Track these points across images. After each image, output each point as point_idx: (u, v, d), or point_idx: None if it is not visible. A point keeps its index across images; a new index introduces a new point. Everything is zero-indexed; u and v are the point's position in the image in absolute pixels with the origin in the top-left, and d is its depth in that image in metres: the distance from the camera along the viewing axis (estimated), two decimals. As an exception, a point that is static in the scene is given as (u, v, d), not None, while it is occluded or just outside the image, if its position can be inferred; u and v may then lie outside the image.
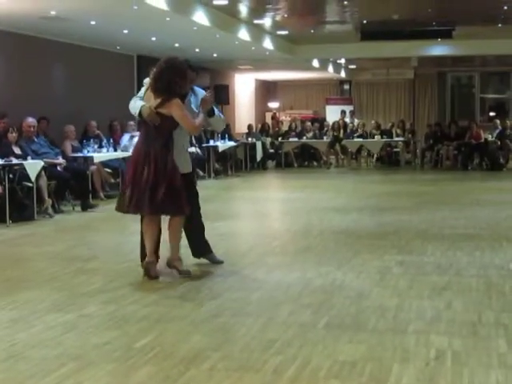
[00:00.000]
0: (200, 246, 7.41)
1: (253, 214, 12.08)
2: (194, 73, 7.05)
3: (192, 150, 17.26)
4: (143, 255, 7.13)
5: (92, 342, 4.89)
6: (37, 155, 11.69)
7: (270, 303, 5.89)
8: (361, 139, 22.50)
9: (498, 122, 22.16)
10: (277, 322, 5.33)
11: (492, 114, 27.73)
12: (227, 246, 8.40)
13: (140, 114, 6.73)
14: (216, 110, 7.31)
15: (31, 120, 12.09)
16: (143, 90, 6.97)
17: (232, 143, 19.86)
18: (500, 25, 17.93)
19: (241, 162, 21.46)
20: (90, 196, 12.75)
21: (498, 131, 21.54)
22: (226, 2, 14.32)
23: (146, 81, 7.02)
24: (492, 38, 19.43)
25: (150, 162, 6.67)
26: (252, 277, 6.97)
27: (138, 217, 11.32)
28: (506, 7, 15.44)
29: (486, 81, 28.60)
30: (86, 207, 12.14)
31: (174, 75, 6.69)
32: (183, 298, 6.10)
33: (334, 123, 24.01)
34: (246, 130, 22.71)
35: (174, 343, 4.85)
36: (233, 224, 10.42)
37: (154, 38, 16.41)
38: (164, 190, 6.63)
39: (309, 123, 23.83)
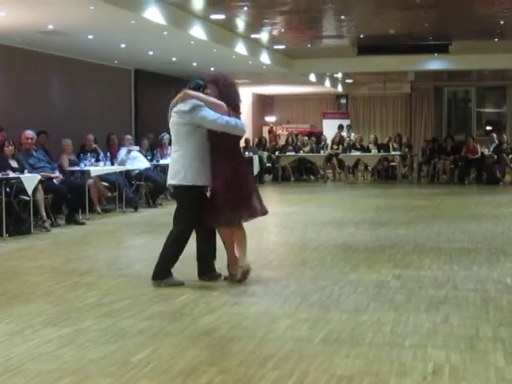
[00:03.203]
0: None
1: (249, 228, 12.04)
2: None
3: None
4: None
5: (88, 356, 4.88)
6: (34, 169, 11.68)
7: (267, 318, 5.88)
8: (358, 153, 22.53)
9: (494, 136, 22.21)
10: (274, 337, 5.32)
11: (488, 128, 27.80)
12: (224, 259, 8.36)
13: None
14: None
15: (29, 132, 12.08)
16: (209, 111, 7.10)
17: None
18: (496, 39, 18.00)
19: (238, 175, 21.38)
20: (87, 210, 12.75)
21: (494, 145, 21.59)
22: (223, 17, 14.39)
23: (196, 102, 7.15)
24: (488, 53, 19.50)
25: (244, 173, 7.41)
26: (249, 291, 6.96)
27: (136, 230, 11.36)
28: (502, 22, 15.51)
29: (483, 95, 28.67)
30: (70, 221, 12.10)
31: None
32: (180, 312, 6.08)
33: (334, 137, 24.08)
34: (243, 144, 22.72)
35: (170, 357, 4.83)
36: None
37: (151, 52, 16.45)
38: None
39: (305, 137, 23.90)
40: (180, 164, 7.09)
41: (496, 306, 6.21)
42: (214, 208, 7.13)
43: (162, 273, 7.19)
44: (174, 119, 7.16)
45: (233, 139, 7.28)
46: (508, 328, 5.50)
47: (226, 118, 7.07)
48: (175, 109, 7.13)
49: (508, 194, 18.17)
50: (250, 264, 7.33)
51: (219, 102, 7.12)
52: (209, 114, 7.03)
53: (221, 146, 7.14)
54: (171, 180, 7.22)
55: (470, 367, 4.59)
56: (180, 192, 7.26)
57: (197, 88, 7.28)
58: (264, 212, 7.50)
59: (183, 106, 7.08)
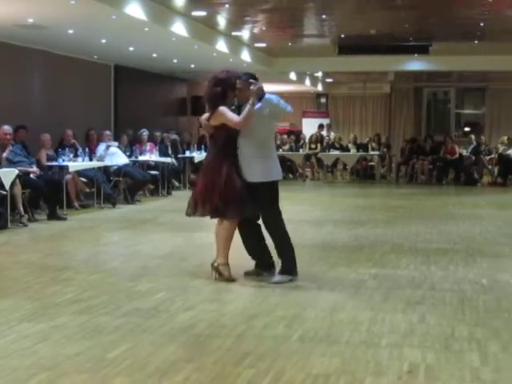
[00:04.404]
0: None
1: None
2: (241, 81, 7.24)
3: (168, 160, 17.26)
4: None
5: (64, 352, 4.86)
6: (11, 163, 11.61)
7: (244, 315, 5.88)
8: (337, 152, 22.56)
9: (473, 137, 22.34)
10: (251, 335, 5.32)
11: (467, 129, 27.94)
12: (203, 257, 8.34)
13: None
14: (267, 97, 7.22)
15: (7, 128, 11.98)
16: None
17: (208, 154, 19.79)
18: (476, 41, 18.10)
19: (217, 173, 21.36)
20: (65, 205, 12.68)
21: (472, 146, 21.71)
22: (204, 14, 14.36)
23: None
24: (468, 54, 19.60)
25: (205, 172, 7.25)
26: (227, 289, 6.96)
27: (114, 226, 11.34)
28: (482, 24, 15.60)
29: (462, 96, 28.81)
30: (52, 217, 12.03)
31: (213, 87, 7.19)
32: (157, 308, 6.07)
33: (311, 136, 24.10)
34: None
35: (147, 354, 4.82)
36: (208, 235, 10.32)
37: (131, 48, 16.39)
38: (218, 197, 7.02)
39: (285, 136, 23.93)
40: None
41: (472, 307, 6.24)
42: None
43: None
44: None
45: None
46: (483, 328, 5.53)
47: None
48: None
49: (485, 194, 18.27)
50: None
51: None
52: None
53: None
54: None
55: (445, 367, 4.61)
56: None
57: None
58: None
59: None
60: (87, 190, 14.21)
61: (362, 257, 8.73)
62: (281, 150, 23.04)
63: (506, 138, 21.92)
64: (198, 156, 18.78)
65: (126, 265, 8.17)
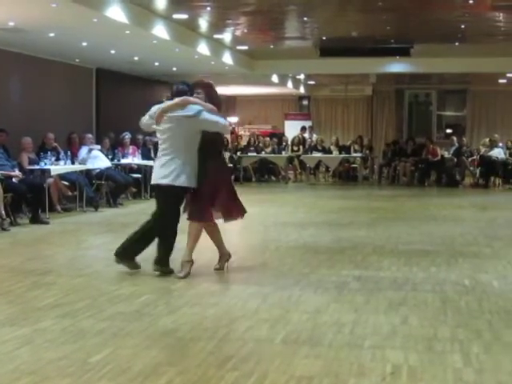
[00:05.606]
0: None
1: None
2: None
3: (150, 163, 17.19)
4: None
5: (47, 356, 4.84)
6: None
7: (227, 318, 5.88)
8: (319, 154, 22.61)
9: (454, 139, 22.43)
10: (233, 338, 5.32)
11: (449, 131, 28.04)
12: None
13: None
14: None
15: (-12, 132, 11.96)
16: (211, 114, 7.61)
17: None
18: (457, 43, 18.18)
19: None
20: (47, 209, 12.61)
21: (454, 148, 21.79)
22: (186, 17, 14.34)
23: None
24: (449, 57, 19.67)
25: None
26: (209, 292, 6.96)
27: (96, 230, 11.30)
28: (463, 26, 15.67)
29: (443, 98, 28.91)
30: (35, 221, 11.97)
31: None
32: (140, 312, 6.06)
33: (293, 138, 24.13)
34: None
35: (130, 358, 4.81)
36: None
37: (113, 51, 16.35)
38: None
39: (267, 138, 23.96)
40: (172, 167, 7.45)
41: (454, 308, 6.27)
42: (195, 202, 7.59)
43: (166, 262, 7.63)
44: (172, 125, 7.52)
45: (220, 139, 7.91)
46: (466, 329, 5.56)
47: (222, 119, 7.59)
48: (173, 114, 7.50)
49: (467, 196, 18.35)
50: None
51: (213, 106, 7.56)
52: (212, 116, 7.48)
53: (212, 145, 7.60)
54: (161, 180, 7.56)
55: (428, 368, 4.63)
56: (167, 192, 7.55)
57: (183, 92, 7.66)
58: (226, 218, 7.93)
59: (185, 112, 7.46)
60: (69, 193, 14.15)
61: (344, 259, 8.75)
62: (263, 153, 23.11)
63: (487, 139, 22.11)
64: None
65: (108, 268, 8.13)
